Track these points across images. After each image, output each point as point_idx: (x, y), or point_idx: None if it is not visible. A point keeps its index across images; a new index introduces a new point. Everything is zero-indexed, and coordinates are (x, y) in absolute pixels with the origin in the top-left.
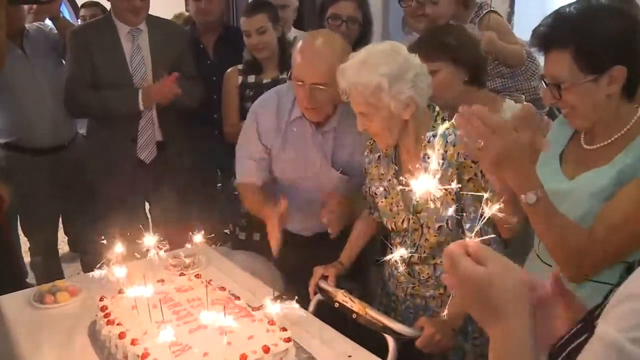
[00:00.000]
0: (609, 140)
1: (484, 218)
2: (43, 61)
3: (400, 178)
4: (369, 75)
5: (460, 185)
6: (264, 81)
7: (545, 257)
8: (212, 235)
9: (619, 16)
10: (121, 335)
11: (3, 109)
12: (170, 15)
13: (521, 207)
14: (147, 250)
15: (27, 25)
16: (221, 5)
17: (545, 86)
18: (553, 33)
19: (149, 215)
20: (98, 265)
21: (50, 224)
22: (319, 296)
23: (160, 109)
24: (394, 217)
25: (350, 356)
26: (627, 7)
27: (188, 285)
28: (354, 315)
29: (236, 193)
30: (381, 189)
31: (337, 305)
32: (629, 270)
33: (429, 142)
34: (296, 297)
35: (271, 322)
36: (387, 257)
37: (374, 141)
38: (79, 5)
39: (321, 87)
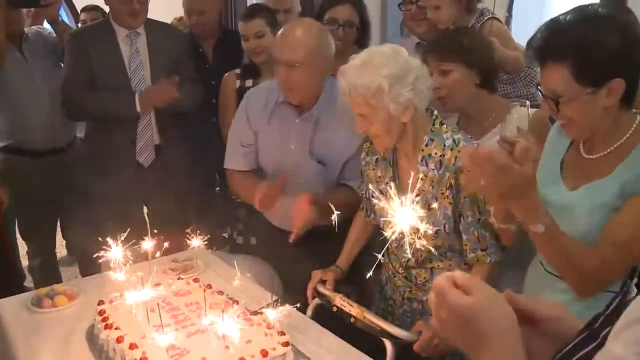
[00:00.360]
0: (609, 150)
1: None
2: (42, 64)
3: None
4: (370, 76)
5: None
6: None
7: (548, 265)
8: (210, 239)
9: (617, 27)
10: (119, 340)
11: (1, 111)
12: (170, 19)
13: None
14: (146, 254)
15: (26, 29)
16: (216, 15)
17: (542, 96)
18: (550, 45)
19: (147, 219)
20: (96, 269)
21: (48, 228)
22: (317, 300)
23: (159, 113)
24: (391, 221)
25: None
26: (625, 17)
27: (186, 289)
28: (352, 319)
29: (234, 197)
30: (378, 191)
31: (335, 309)
32: (632, 273)
33: (427, 145)
34: (294, 301)
35: (269, 326)
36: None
37: (371, 144)
38: (79, 9)
39: (297, 65)
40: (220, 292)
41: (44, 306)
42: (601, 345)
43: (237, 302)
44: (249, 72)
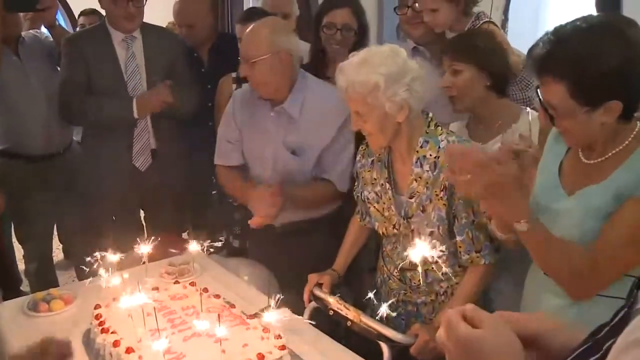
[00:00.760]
0: (608, 155)
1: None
2: (38, 68)
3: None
4: (368, 74)
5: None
6: None
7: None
8: (207, 242)
9: (620, 48)
10: (115, 344)
11: None
12: (166, 23)
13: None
14: (142, 258)
15: (22, 33)
16: (206, 25)
17: (540, 103)
18: (549, 61)
19: (143, 223)
20: (92, 273)
21: (45, 232)
22: (313, 303)
23: (155, 117)
24: (385, 222)
25: None
26: (631, 31)
27: (183, 293)
28: (349, 323)
29: (230, 200)
30: (373, 193)
31: (331, 312)
32: (639, 282)
33: (421, 147)
34: (291, 304)
35: (266, 330)
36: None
37: (366, 146)
38: (78, 13)
39: (254, 61)
40: (217, 296)
41: (40, 310)
42: (603, 358)
43: (234, 306)
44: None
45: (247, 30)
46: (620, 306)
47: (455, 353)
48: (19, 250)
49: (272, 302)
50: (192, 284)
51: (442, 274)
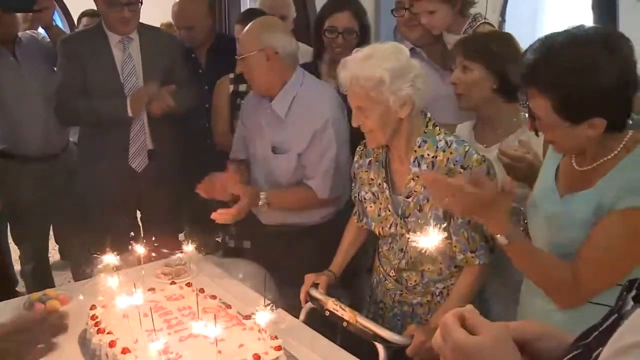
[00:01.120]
0: (595, 164)
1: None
2: (35, 69)
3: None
4: (373, 68)
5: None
6: None
7: None
8: (203, 243)
9: (607, 66)
10: (111, 344)
11: None
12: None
13: None
14: (138, 259)
15: (19, 33)
16: (205, 27)
17: (528, 110)
18: (535, 75)
19: (140, 224)
20: (89, 274)
21: (41, 232)
22: (309, 304)
23: (152, 118)
24: (382, 222)
25: None
26: (621, 48)
27: (179, 293)
28: (345, 324)
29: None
30: (370, 194)
31: (327, 313)
32: (630, 285)
33: (419, 146)
34: (287, 305)
35: (262, 331)
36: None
37: (364, 146)
38: (75, 13)
39: (244, 56)
40: (213, 297)
41: (36, 311)
42: None
43: (230, 307)
44: (242, 77)
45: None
46: (609, 310)
47: (453, 357)
48: (14, 251)
49: (268, 303)
50: (189, 284)
51: (438, 274)
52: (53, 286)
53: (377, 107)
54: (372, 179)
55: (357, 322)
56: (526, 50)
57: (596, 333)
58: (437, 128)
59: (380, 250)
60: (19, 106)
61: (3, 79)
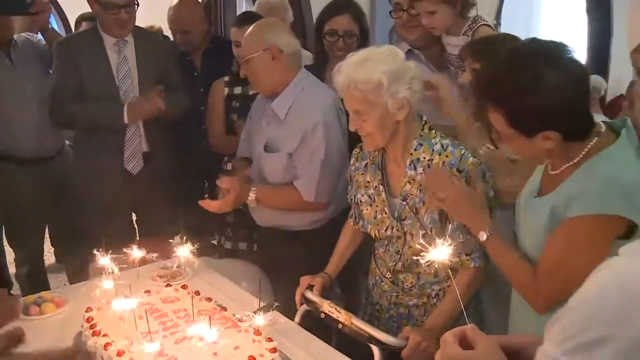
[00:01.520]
0: (559, 170)
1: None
2: (30, 71)
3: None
4: (370, 71)
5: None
6: (250, 93)
7: None
8: (199, 245)
9: (557, 83)
10: (107, 346)
11: None
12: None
13: None
14: (134, 261)
15: (15, 36)
16: (201, 30)
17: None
18: (489, 90)
19: (135, 226)
20: (84, 276)
21: (36, 235)
22: (305, 306)
23: (147, 121)
24: (378, 225)
25: None
26: (572, 65)
27: (174, 296)
28: (340, 326)
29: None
30: (366, 196)
31: (323, 315)
32: None
33: (415, 149)
34: (283, 306)
35: (257, 333)
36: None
37: (360, 149)
38: (71, 16)
39: (248, 57)
40: (209, 299)
41: (31, 313)
42: None
43: (225, 309)
44: (237, 80)
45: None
46: None
47: None
48: (9, 254)
49: (264, 305)
50: (184, 286)
51: (434, 276)
52: (48, 289)
53: (375, 110)
54: (369, 182)
55: (352, 324)
56: (486, 64)
57: None
58: (433, 131)
59: (376, 252)
60: (15, 109)
61: None
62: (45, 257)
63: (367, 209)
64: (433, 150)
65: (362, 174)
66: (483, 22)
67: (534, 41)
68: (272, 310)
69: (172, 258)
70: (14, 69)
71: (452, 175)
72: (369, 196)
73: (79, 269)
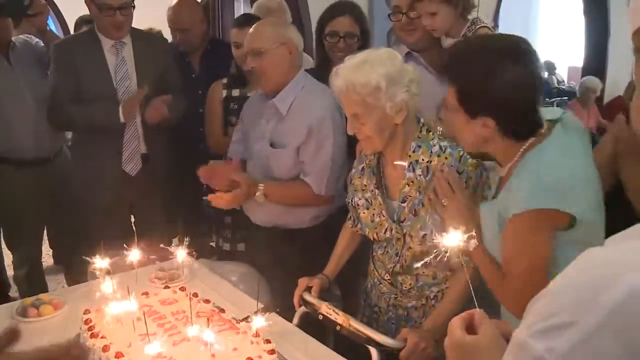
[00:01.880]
0: (505, 172)
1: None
2: (28, 73)
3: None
4: (369, 74)
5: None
6: (248, 94)
7: None
8: (197, 247)
9: (506, 74)
10: (105, 349)
11: None
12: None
13: None
14: (132, 263)
15: (13, 38)
16: (200, 30)
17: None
18: (450, 66)
19: (134, 228)
20: (82, 279)
21: (35, 237)
22: (303, 308)
23: (145, 122)
24: (376, 228)
25: None
26: (528, 56)
27: (172, 298)
28: (338, 327)
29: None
30: (363, 200)
31: (321, 317)
32: None
33: (414, 151)
34: (281, 308)
35: (255, 335)
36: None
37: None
38: (76, 20)
39: (264, 50)
40: (207, 301)
41: (29, 316)
42: None
43: (224, 311)
44: (235, 82)
45: (252, 27)
46: None
47: (450, 356)
48: (7, 256)
49: (262, 306)
50: (182, 288)
51: (432, 278)
52: (46, 291)
53: (373, 113)
54: (365, 185)
55: (350, 325)
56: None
57: None
58: (431, 133)
59: (374, 254)
60: (13, 110)
61: None
62: (43, 259)
63: (364, 212)
64: (432, 152)
65: (359, 177)
66: (482, 24)
67: (503, 35)
68: (274, 312)
69: (170, 260)
70: (13, 71)
71: (458, 186)
72: (366, 199)
73: (77, 271)
